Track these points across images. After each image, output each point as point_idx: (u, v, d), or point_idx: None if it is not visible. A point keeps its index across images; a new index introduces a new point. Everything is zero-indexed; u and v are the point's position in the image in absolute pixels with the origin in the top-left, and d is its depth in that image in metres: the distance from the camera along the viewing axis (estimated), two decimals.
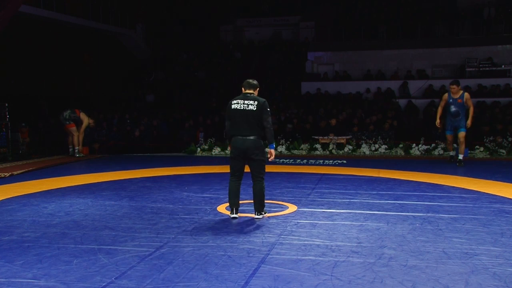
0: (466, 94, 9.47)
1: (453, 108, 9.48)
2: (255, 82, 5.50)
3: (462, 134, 9.52)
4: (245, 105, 5.28)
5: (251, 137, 5.26)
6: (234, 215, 5.48)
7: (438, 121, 9.85)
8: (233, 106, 5.34)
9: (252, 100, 5.30)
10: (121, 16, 20.64)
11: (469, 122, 9.45)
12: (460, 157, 9.64)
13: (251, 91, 5.42)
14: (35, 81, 16.82)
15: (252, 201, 5.55)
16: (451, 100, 9.52)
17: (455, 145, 10.11)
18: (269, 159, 5.51)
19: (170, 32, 24.10)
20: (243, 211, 5.68)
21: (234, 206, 5.48)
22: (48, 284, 3.56)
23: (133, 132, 14.00)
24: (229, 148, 5.55)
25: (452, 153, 10.25)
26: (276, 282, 3.53)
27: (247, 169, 5.47)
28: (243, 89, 5.47)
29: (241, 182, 5.52)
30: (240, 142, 5.29)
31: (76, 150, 11.88)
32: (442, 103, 9.73)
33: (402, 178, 8.28)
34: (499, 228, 4.95)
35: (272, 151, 5.47)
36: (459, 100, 9.43)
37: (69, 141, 12.04)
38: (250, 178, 5.54)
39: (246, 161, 5.39)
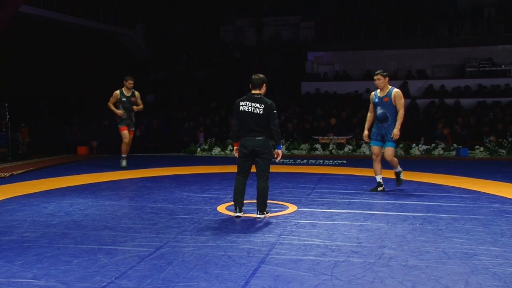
0: (396, 91, 6.75)
1: (379, 111, 6.81)
2: (260, 78, 5.45)
3: (388, 151, 6.86)
4: (252, 108, 5.33)
5: (260, 138, 5.33)
6: (238, 214, 5.50)
7: (366, 132, 7.14)
8: (241, 108, 5.38)
9: (259, 103, 5.33)
10: (121, 16, 20.64)
11: (395, 131, 6.69)
12: (397, 170, 7.08)
13: (257, 92, 5.42)
14: (35, 81, 16.82)
15: (252, 201, 5.56)
16: (376, 100, 6.85)
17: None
18: (276, 160, 5.57)
19: (170, 32, 24.10)
20: (244, 211, 5.67)
21: (239, 205, 5.51)
22: (48, 284, 3.55)
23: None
24: (229, 148, 5.58)
25: (378, 178, 7.06)
26: (276, 282, 3.53)
27: (253, 169, 5.49)
28: (250, 86, 5.47)
29: (246, 182, 5.55)
30: (249, 142, 5.34)
31: (123, 156, 9.65)
32: (371, 106, 7.03)
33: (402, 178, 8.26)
34: (499, 228, 4.95)
35: (279, 151, 5.52)
36: (386, 99, 6.73)
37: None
38: (250, 178, 5.54)
39: (253, 160, 5.42)
